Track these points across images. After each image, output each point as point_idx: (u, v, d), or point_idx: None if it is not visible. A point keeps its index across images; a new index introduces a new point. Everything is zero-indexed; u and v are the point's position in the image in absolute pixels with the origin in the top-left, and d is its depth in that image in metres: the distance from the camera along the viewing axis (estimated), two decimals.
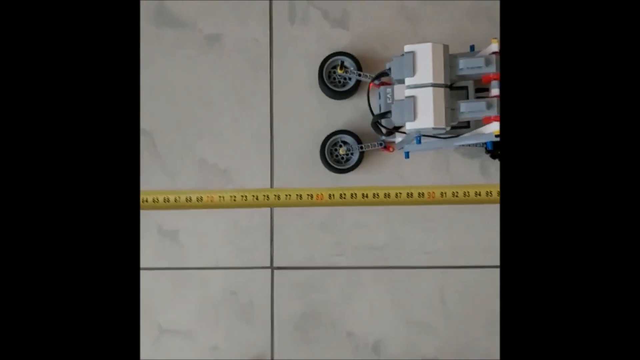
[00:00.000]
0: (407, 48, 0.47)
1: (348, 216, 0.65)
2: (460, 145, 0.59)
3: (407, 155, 0.53)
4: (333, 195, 0.42)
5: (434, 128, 0.43)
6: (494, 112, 0.44)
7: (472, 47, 0.51)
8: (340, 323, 0.65)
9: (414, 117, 0.43)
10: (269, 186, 0.65)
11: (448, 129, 0.45)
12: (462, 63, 0.45)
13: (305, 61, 0.65)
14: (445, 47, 0.45)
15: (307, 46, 0.66)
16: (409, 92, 0.44)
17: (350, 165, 0.62)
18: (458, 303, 0.64)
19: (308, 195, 0.42)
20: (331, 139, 0.62)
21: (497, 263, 0.64)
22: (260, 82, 0.66)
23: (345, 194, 0.42)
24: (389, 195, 0.52)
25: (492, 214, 0.64)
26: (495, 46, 0.45)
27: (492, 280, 0.64)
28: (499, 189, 0.50)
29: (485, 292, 0.64)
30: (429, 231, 0.64)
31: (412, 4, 0.65)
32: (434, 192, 0.50)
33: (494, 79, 0.45)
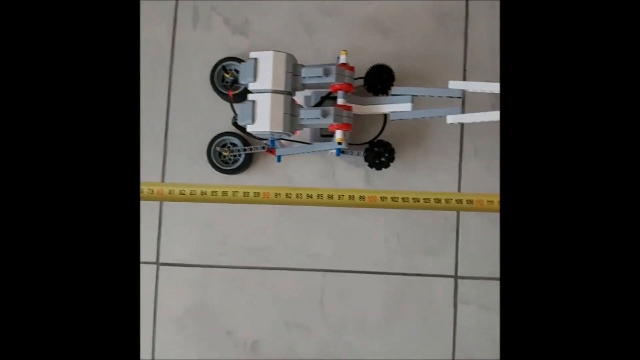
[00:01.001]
0: (252, 55, 0.49)
1: (235, 216, 0.66)
2: (325, 152, 0.61)
3: (278, 159, 0.55)
4: (172, 191, 0.44)
5: (271, 132, 0.45)
6: (330, 120, 0.46)
7: (339, 59, 0.54)
8: (221, 322, 0.66)
9: (253, 120, 0.45)
10: (160, 181, 0.67)
11: (291, 134, 0.46)
12: (304, 72, 0.48)
13: (204, 64, 0.67)
14: (289, 56, 0.47)
15: (207, 50, 0.68)
16: (251, 97, 0.47)
17: (236, 166, 0.64)
18: (336, 306, 0.66)
19: (148, 189, 0.44)
20: (218, 140, 0.64)
21: (375, 269, 0.66)
22: (160, 80, 0.68)
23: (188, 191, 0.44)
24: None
25: (373, 220, 0.66)
26: (343, 58, 0.47)
27: (369, 286, 0.66)
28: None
29: (362, 296, 0.66)
30: (312, 234, 0.66)
31: (310, 16, 0.68)
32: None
33: (340, 89, 0.47)
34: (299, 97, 0.59)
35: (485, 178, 0.66)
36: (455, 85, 0.47)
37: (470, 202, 0.53)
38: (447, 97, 0.48)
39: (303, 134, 0.60)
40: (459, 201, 0.54)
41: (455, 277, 0.66)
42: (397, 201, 0.52)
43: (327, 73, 0.47)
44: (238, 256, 0.66)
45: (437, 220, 0.66)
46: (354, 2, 0.68)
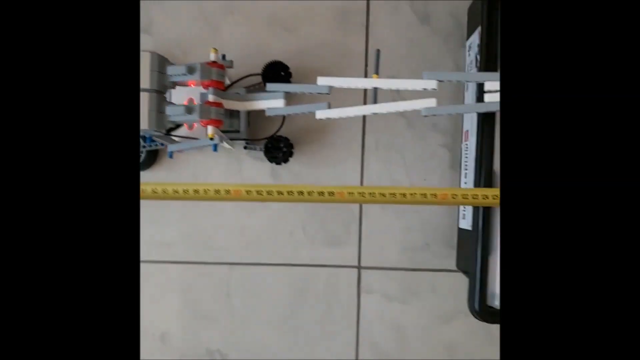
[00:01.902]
0: None
1: (141, 212, 0.68)
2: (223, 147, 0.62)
3: (170, 155, 0.56)
4: None
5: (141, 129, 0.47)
6: (196, 116, 0.47)
7: (223, 56, 0.55)
8: None
9: None
10: None
11: (163, 131, 0.48)
12: (170, 70, 0.49)
13: None
14: (154, 55, 0.49)
15: None
16: None
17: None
18: (242, 298, 0.68)
19: None
20: None
21: (281, 261, 0.67)
22: None
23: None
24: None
25: (278, 213, 0.67)
26: (212, 56, 0.48)
27: (274, 277, 0.67)
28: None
29: (268, 288, 0.67)
30: (219, 228, 0.68)
31: (214, 14, 0.69)
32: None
33: (209, 86, 0.48)
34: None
35: (385, 171, 0.68)
36: (323, 81, 0.49)
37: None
38: (316, 93, 0.50)
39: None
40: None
41: (359, 267, 0.68)
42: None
43: (191, 71, 0.48)
44: (142, 251, 0.68)
45: (341, 211, 0.68)
46: (257, 1, 0.69)
